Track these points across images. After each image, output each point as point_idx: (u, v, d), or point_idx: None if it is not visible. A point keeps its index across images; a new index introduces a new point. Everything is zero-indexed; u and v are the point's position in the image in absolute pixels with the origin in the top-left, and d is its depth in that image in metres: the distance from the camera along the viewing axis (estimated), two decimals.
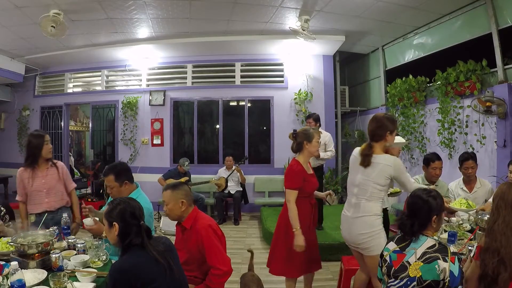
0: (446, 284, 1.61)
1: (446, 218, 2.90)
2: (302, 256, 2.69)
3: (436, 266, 1.63)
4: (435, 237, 1.81)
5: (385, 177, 2.34)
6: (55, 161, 3.06)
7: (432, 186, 3.26)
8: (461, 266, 1.72)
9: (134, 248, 1.67)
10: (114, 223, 1.70)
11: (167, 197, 2.24)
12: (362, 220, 2.38)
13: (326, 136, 4.72)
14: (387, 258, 1.82)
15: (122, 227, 1.69)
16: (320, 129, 4.58)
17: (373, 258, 2.37)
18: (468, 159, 3.34)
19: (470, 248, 2.04)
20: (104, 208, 2.07)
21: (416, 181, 3.28)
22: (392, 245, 1.84)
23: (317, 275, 3.61)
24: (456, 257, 1.66)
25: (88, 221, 2.40)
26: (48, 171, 2.95)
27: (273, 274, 2.89)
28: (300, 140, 2.77)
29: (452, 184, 3.46)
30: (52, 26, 4.47)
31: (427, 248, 1.70)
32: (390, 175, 2.34)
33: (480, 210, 2.74)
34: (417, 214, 1.78)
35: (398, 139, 2.71)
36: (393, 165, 2.34)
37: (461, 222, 2.78)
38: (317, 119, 4.75)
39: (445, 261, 1.63)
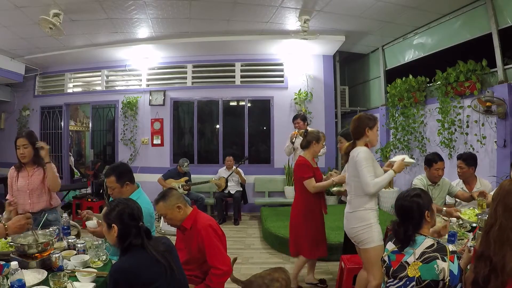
0: (447, 283, 1.62)
1: (446, 218, 2.90)
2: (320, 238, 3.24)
3: (435, 266, 1.63)
4: (434, 237, 1.82)
5: (354, 169, 2.43)
6: (47, 163, 2.88)
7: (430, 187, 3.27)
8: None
9: (134, 248, 1.66)
10: (112, 224, 1.70)
11: (162, 209, 2.22)
12: (354, 215, 2.48)
13: None
14: (386, 259, 1.82)
15: (121, 229, 1.68)
16: (308, 127, 4.68)
17: (366, 251, 2.41)
18: (458, 159, 3.38)
19: (470, 248, 2.04)
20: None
21: (420, 180, 3.28)
22: (391, 246, 1.85)
23: (317, 275, 3.61)
24: (455, 255, 1.67)
25: (91, 224, 2.40)
26: (34, 171, 2.89)
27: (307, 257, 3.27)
28: (310, 139, 3.22)
29: (452, 183, 3.46)
30: (50, 27, 4.48)
31: (426, 248, 1.70)
32: (355, 164, 2.42)
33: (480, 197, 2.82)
34: (409, 217, 1.78)
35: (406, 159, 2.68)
36: (356, 153, 2.42)
37: (461, 222, 2.78)
38: (304, 119, 4.80)
39: (444, 260, 1.63)
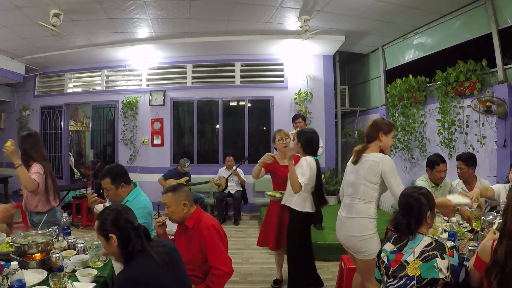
0: (449, 278, 1.63)
1: (446, 218, 2.90)
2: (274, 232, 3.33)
3: (435, 264, 1.65)
4: (431, 235, 1.83)
5: (374, 174, 2.32)
6: (31, 164, 2.82)
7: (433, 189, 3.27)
8: (465, 255, 1.70)
9: (138, 256, 1.61)
10: (110, 235, 1.62)
11: (168, 200, 2.22)
12: (355, 222, 2.36)
13: None
14: (385, 260, 1.82)
15: (120, 235, 1.62)
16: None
17: (365, 262, 2.35)
18: (457, 160, 3.36)
19: (470, 248, 2.04)
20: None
21: (425, 182, 3.24)
22: (389, 246, 1.85)
23: None
24: (454, 250, 1.69)
25: (99, 207, 2.42)
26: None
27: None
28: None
29: (453, 183, 3.45)
30: (50, 29, 4.51)
31: (425, 247, 1.72)
32: (379, 173, 2.31)
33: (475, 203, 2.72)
34: (411, 212, 1.79)
35: (461, 200, 2.57)
36: (382, 161, 2.31)
37: (461, 222, 2.78)
38: (304, 119, 4.81)
39: (443, 258, 1.65)
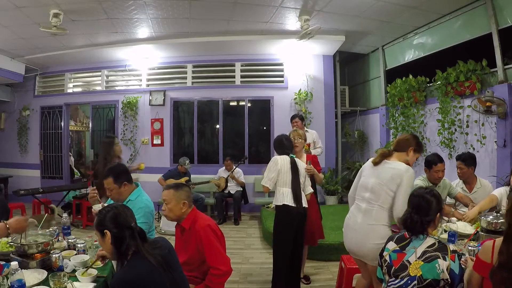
0: (449, 282, 1.62)
1: (446, 218, 2.90)
2: None
3: (437, 265, 1.64)
4: (435, 236, 1.82)
5: (396, 183, 2.24)
6: None
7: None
8: (463, 265, 1.72)
9: (133, 257, 1.61)
10: (105, 231, 1.62)
11: (169, 196, 2.22)
12: (374, 230, 2.24)
13: (313, 134, 4.80)
14: (387, 258, 1.82)
15: (115, 233, 1.61)
16: (305, 128, 4.69)
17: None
18: (457, 160, 3.36)
19: (470, 247, 2.04)
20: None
21: (422, 181, 3.25)
22: (392, 245, 1.85)
23: (317, 275, 3.62)
24: (456, 254, 1.68)
25: (97, 207, 2.42)
26: None
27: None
28: None
29: (452, 184, 3.45)
30: (54, 32, 4.53)
31: (427, 247, 1.71)
32: (398, 183, 2.23)
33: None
34: (423, 213, 1.79)
35: (465, 228, 2.63)
36: (406, 172, 2.25)
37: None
38: (302, 119, 4.83)
39: (445, 260, 1.64)
